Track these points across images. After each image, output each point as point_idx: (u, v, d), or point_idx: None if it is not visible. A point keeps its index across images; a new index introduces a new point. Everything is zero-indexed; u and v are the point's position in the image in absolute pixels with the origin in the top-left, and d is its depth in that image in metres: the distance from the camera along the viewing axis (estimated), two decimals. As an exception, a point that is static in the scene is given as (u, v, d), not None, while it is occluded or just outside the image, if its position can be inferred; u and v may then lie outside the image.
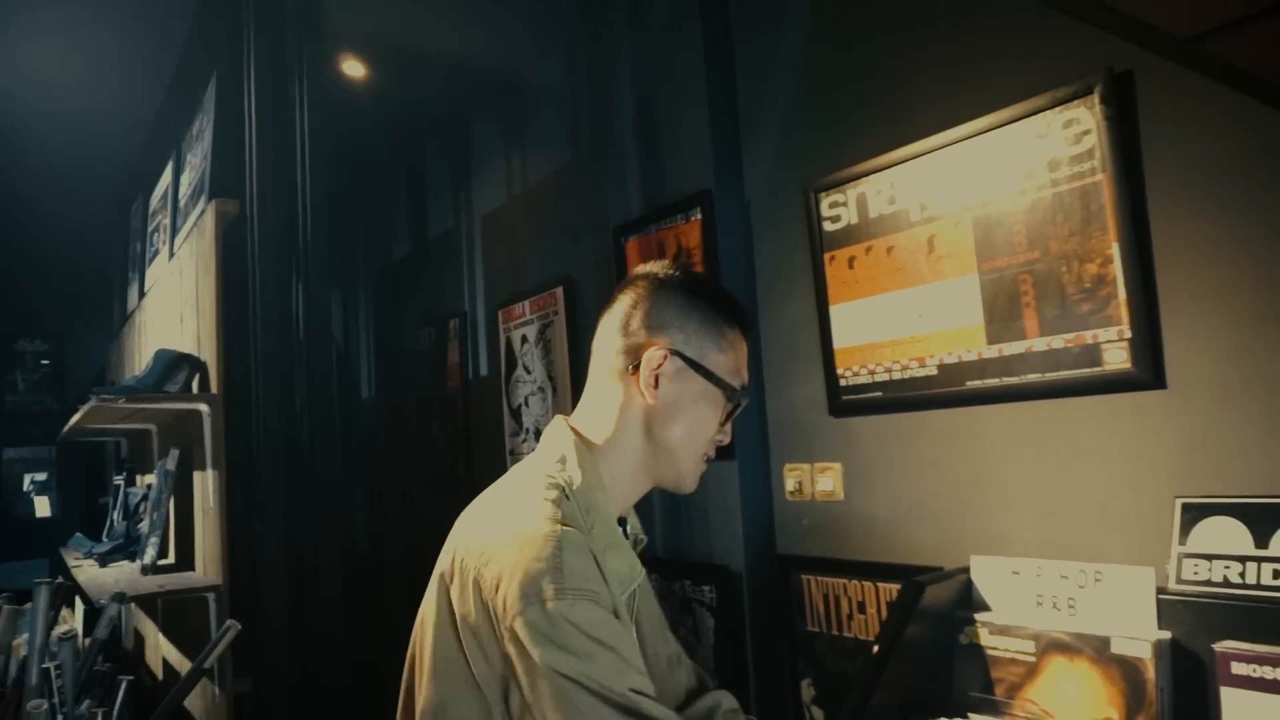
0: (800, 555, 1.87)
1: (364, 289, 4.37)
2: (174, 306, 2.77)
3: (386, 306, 4.14)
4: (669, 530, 2.12)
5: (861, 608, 1.72)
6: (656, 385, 1.10)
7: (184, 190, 2.92)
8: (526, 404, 2.84)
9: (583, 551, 0.95)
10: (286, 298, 1.97)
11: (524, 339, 2.86)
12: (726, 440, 1.18)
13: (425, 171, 3.75)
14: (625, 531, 1.17)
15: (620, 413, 1.11)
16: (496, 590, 0.92)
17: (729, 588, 1.93)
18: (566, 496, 1.02)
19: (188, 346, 2.45)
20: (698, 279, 1.18)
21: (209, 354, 2.20)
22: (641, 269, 1.18)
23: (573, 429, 1.11)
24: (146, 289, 3.53)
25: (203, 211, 2.33)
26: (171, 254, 2.95)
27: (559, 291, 2.65)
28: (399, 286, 3.98)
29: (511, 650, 0.91)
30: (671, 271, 1.16)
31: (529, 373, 2.84)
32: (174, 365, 2.19)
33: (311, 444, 1.87)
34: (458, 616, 0.96)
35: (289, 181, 2.01)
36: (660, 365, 1.09)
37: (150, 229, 3.54)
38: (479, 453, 3.15)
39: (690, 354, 1.11)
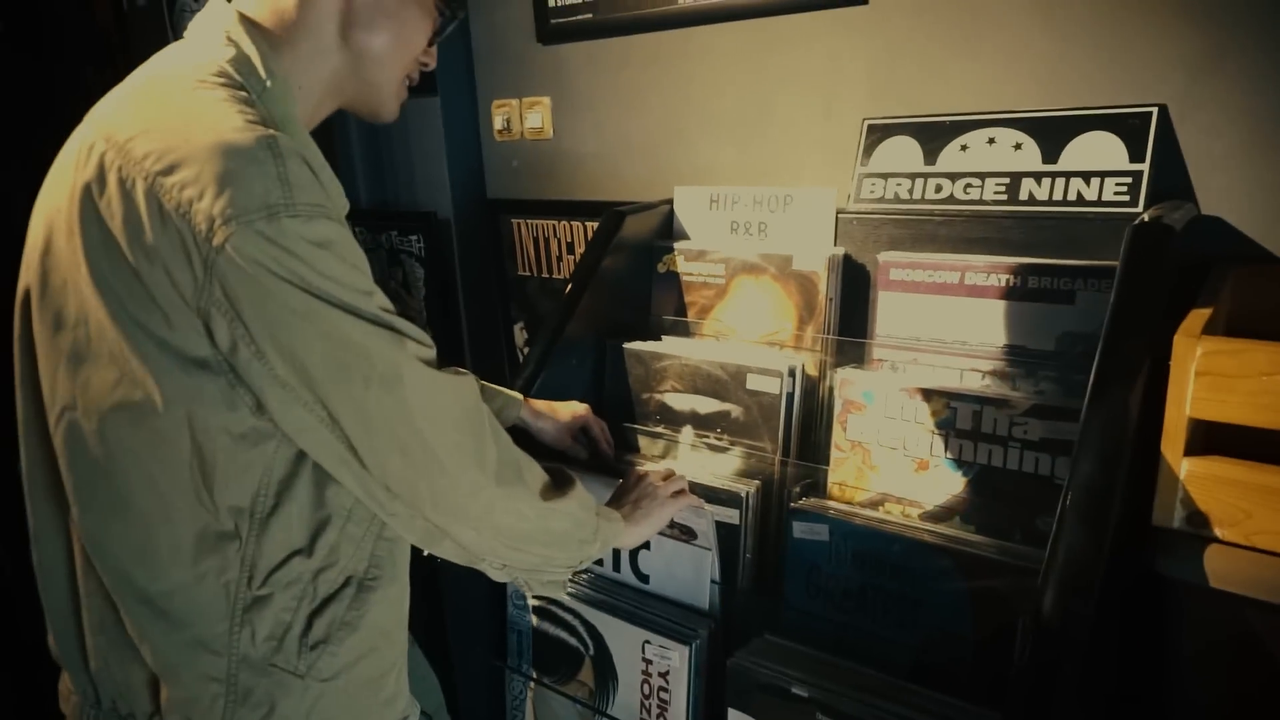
0: (509, 199, 1.79)
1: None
2: None
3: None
4: (371, 178, 1.94)
5: (570, 249, 1.70)
6: None
7: None
8: (197, 40, 2.38)
9: (302, 162, 0.76)
10: None
11: (184, -45, 2.34)
12: (432, 64, 0.98)
13: None
14: None
15: (305, 3, 0.86)
16: (193, 204, 0.72)
17: (437, 236, 1.83)
18: (251, 102, 0.80)
19: None
20: None
21: None
22: None
23: (241, 15, 0.85)
24: None
25: None
26: None
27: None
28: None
29: (223, 276, 0.73)
30: None
31: (196, 0, 2.35)
32: None
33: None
34: (120, 238, 0.76)
35: None
36: None
37: None
38: (148, 102, 2.68)
39: None
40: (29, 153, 3.17)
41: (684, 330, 1.36)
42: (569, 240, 1.69)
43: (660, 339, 1.36)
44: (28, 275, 0.86)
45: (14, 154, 3.27)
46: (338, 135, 1.91)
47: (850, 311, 1.26)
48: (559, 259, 1.72)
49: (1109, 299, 0.91)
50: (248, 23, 0.85)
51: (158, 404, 0.78)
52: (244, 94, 0.81)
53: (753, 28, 1.39)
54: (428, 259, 1.85)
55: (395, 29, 0.91)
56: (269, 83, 0.83)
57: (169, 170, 0.74)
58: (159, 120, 0.78)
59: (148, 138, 0.77)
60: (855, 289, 1.25)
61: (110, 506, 0.82)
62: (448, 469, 0.83)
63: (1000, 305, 1.11)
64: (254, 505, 0.83)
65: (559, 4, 1.58)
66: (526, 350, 1.86)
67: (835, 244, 1.28)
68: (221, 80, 0.81)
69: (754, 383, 1.20)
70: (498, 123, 1.76)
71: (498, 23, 1.69)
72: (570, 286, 1.34)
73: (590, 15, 1.55)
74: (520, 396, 1.20)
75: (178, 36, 2.49)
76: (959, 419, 1.05)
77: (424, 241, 1.84)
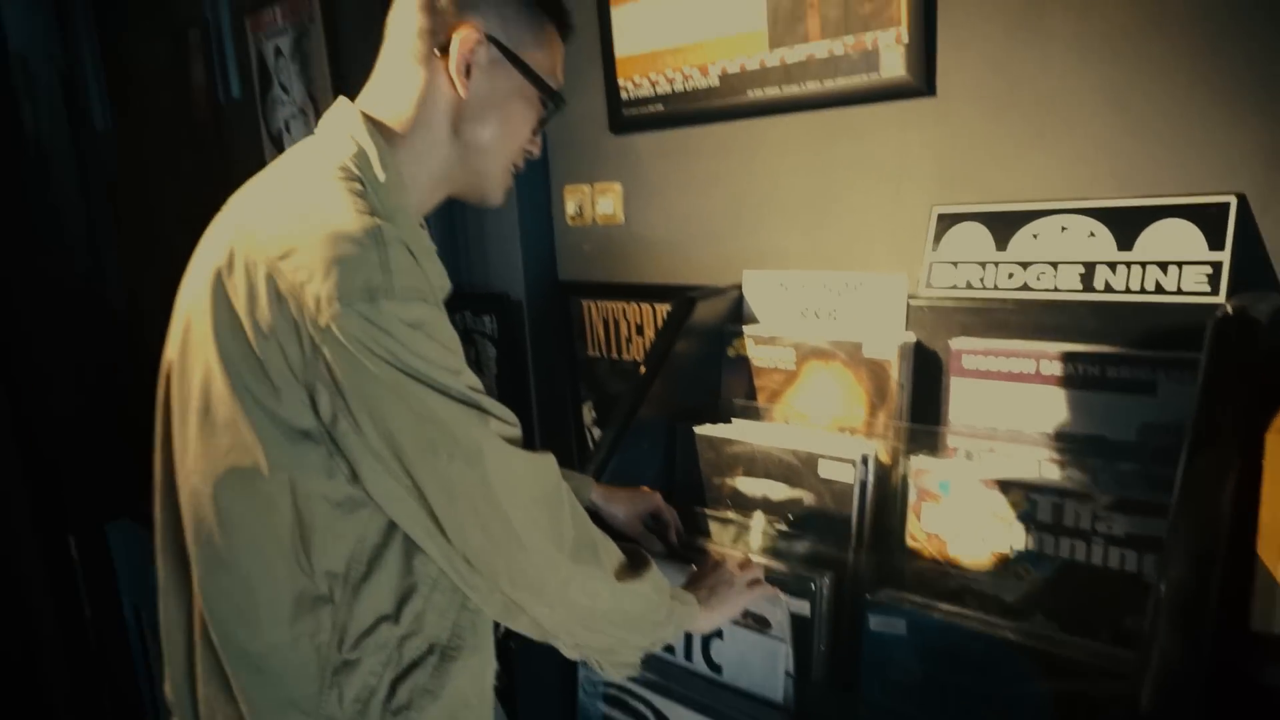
0: (581, 281, 1.83)
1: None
2: None
3: (114, 15, 3.47)
4: (447, 261, 1.98)
5: (640, 330, 1.73)
6: (469, 75, 0.94)
7: None
8: (287, 129, 2.53)
9: (404, 249, 0.83)
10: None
11: (278, 51, 2.49)
12: (537, 153, 1.06)
13: None
14: None
15: (422, 103, 0.95)
16: (304, 287, 0.79)
17: (509, 317, 1.88)
18: (366, 195, 0.88)
19: None
20: None
21: None
22: None
23: (364, 115, 0.95)
24: None
25: None
26: None
27: (313, -7, 2.29)
28: (124, -9, 3.32)
29: (327, 352, 0.79)
30: None
31: (287, 92, 2.50)
32: None
33: (5, 179, 1.54)
34: (243, 317, 0.83)
35: None
36: (473, 51, 0.93)
37: None
38: (238, 186, 2.83)
39: (507, 43, 0.95)
40: (130, 231, 3.38)
41: (754, 415, 1.37)
42: (638, 322, 1.72)
43: (730, 422, 1.36)
44: (170, 350, 0.94)
45: (116, 232, 3.48)
46: (416, 220, 1.99)
47: (923, 399, 1.25)
48: (628, 340, 1.75)
49: (1192, 391, 0.89)
50: (369, 121, 0.94)
51: (264, 470, 0.84)
52: (360, 187, 0.88)
53: (820, 118, 1.42)
54: (500, 339, 1.90)
55: (503, 121, 0.98)
56: (383, 177, 0.91)
57: (285, 256, 0.81)
58: (282, 211, 0.87)
59: (271, 227, 0.85)
60: (927, 376, 1.25)
61: (220, 565, 0.88)
62: (525, 545, 0.86)
63: (1078, 395, 1.10)
64: (348, 570, 0.87)
65: (631, 97, 1.64)
66: (594, 429, 1.88)
67: (906, 330, 1.28)
68: (341, 175, 0.89)
69: (826, 470, 1.20)
70: (570, 208, 1.81)
71: (572, 113, 1.76)
72: (642, 371, 1.36)
73: (661, 107, 1.60)
74: (591, 480, 1.22)
75: (269, 125, 2.64)
76: (1039, 511, 1.03)
77: (496, 322, 1.89)
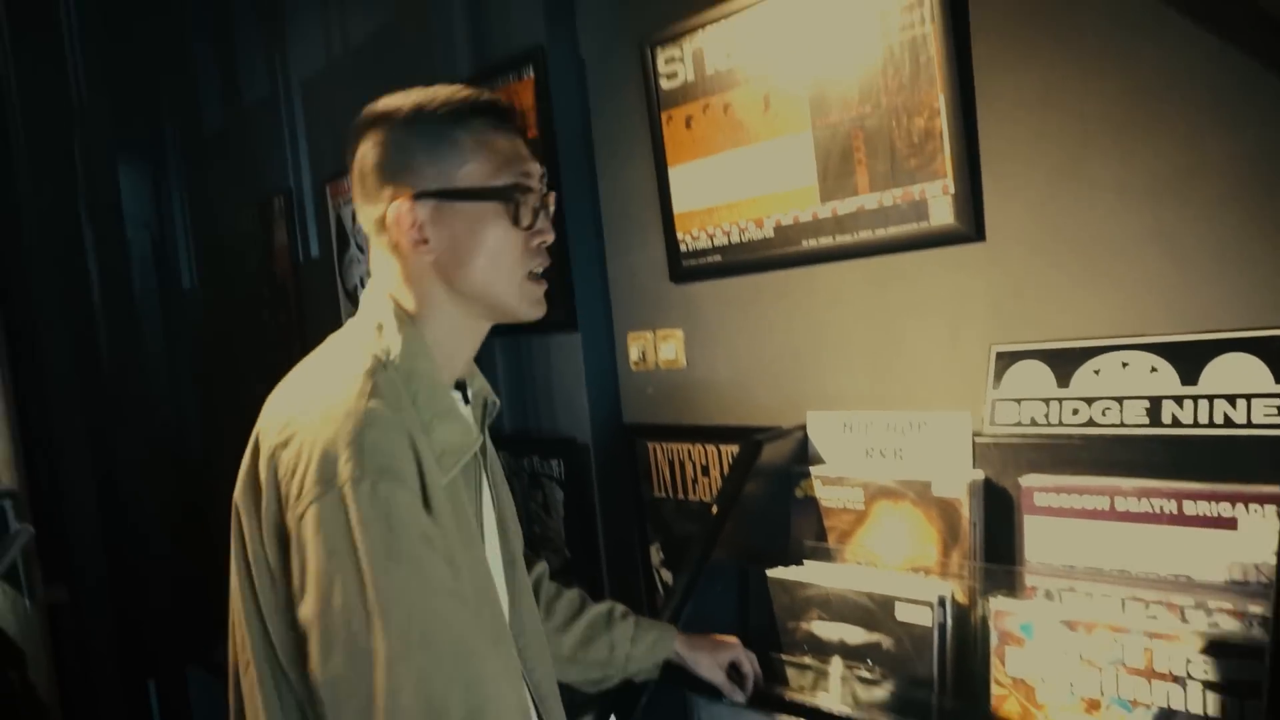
0: (645, 424, 1.88)
1: (176, 168, 3.97)
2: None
3: (203, 186, 3.78)
4: (514, 406, 2.08)
5: (705, 471, 1.76)
6: (426, 240, 0.94)
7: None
8: (362, 285, 2.68)
9: (390, 428, 0.85)
10: (63, 168, 1.72)
11: (355, 215, 2.68)
12: (550, 238, 1.00)
13: (234, 31, 3.37)
14: (467, 396, 1.05)
15: (408, 280, 0.96)
16: (293, 475, 0.82)
17: (576, 460, 1.92)
18: (384, 366, 0.91)
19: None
20: (414, 96, 0.98)
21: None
22: (358, 118, 1.01)
23: (390, 296, 0.98)
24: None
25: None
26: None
27: (389, 163, 2.48)
28: (216, 163, 3.63)
29: (294, 536, 0.81)
30: (380, 107, 0.99)
31: (363, 252, 2.67)
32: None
33: (110, 338, 1.67)
34: (259, 504, 0.87)
35: (47, 20, 1.72)
36: (411, 218, 0.93)
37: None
38: (315, 340, 2.96)
39: (435, 186, 0.94)
40: (213, 381, 3.52)
41: (826, 556, 1.37)
42: (703, 463, 1.75)
43: (802, 564, 1.36)
44: (232, 537, 0.96)
45: (198, 383, 3.66)
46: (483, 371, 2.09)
47: (996, 535, 1.25)
48: (694, 481, 1.78)
49: (1276, 525, 0.88)
50: (391, 300, 0.97)
51: (271, 660, 0.87)
52: (371, 363, 0.91)
53: (874, 264, 1.48)
54: (567, 482, 1.94)
55: (482, 251, 0.95)
56: (396, 350, 0.93)
57: (285, 443, 0.86)
58: (294, 400, 0.91)
59: (280, 416, 0.89)
60: (998, 513, 1.25)
61: None
62: None
63: (1157, 531, 1.09)
64: None
65: (690, 248, 1.73)
66: (662, 570, 1.88)
67: (974, 468, 1.29)
68: (361, 353, 0.92)
69: (903, 612, 1.19)
70: (633, 354, 1.88)
71: (634, 265, 1.86)
72: (713, 513, 1.38)
73: (719, 257, 1.68)
74: (673, 629, 1.23)
75: (345, 282, 2.80)
76: (1128, 655, 1.01)
77: (564, 465, 1.94)
